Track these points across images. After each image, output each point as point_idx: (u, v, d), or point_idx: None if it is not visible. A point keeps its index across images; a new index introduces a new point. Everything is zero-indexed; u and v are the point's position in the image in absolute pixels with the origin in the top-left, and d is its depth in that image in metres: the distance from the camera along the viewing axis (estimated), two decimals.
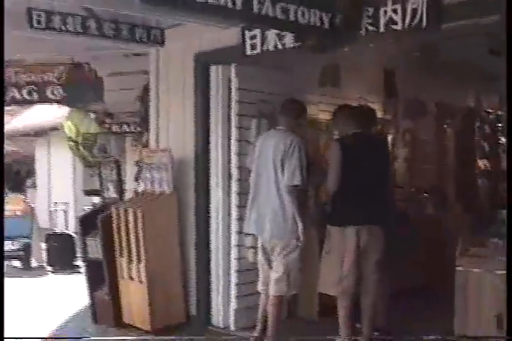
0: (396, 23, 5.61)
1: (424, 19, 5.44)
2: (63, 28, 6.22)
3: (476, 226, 7.87)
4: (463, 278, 6.09)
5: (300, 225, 6.14)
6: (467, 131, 11.02)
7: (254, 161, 6.41)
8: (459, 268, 6.14)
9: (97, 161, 10.56)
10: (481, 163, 11.22)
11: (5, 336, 4.65)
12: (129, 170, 8.76)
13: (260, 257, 6.39)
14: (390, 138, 9.34)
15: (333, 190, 6.18)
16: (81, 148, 12.29)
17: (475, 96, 11.35)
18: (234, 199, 7.08)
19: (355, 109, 6.65)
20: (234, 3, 4.50)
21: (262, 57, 6.67)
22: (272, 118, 7.06)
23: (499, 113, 11.61)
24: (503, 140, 11.60)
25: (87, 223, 7.83)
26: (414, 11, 5.48)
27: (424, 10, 5.42)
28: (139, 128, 8.59)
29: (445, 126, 10.58)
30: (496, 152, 11.54)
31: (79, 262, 10.83)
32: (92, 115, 11.68)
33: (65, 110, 12.57)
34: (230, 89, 7.15)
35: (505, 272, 5.02)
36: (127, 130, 10.91)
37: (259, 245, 6.39)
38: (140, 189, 7.69)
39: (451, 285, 6.10)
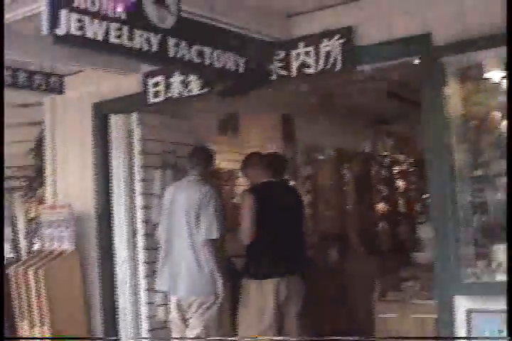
0: (309, 67, 5.49)
1: (339, 61, 5.34)
2: None
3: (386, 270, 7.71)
4: (382, 324, 5.96)
5: (219, 280, 5.84)
6: (365, 176, 11.00)
7: (164, 214, 6.09)
8: (379, 315, 6.03)
9: None
10: (380, 207, 11.16)
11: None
12: (24, 228, 8.25)
13: (174, 315, 6.01)
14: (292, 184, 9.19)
15: (247, 241, 5.92)
16: None
17: (370, 141, 11.38)
18: (141, 256, 6.73)
19: (265, 156, 6.44)
20: (150, 45, 4.22)
21: (164, 105, 6.49)
22: (176, 168, 6.83)
23: (394, 156, 11.70)
24: (400, 184, 11.70)
25: None
26: (328, 53, 5.39)
27: (339, 52, 5.33)
28: (33, 183, 8.14)
29: (344, 171, 10.50)
30: (393, 195, 11.55)
31: None
32: None
33: None
34: (131, 139, 6.85)
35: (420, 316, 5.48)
36: (15, 185, 10.37)
37: (173, 303, 6.01)
38: (38, 248, 7.22)
39: (372, 331, 5.99)
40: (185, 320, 5.96)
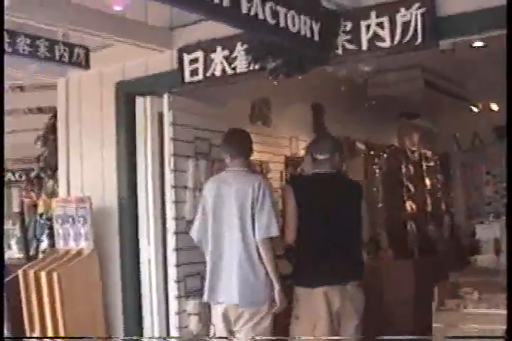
0: (383, 40, 4.68)
1: (419, 34, 4.55)
2: None
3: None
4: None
5: (276, 285, 5.06)
6: (394, 172, 10.32)
7: (205, 213, 5.28)
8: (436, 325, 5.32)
9: None
10: (408, 205, 10.49)
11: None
12: (34, 225, 7.41)
13: (220, 327, 5.18)
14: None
15: (292, 242, 5.14)
16: None
17: (398, 134, 10.76)
18: (171, 257, 5.86)
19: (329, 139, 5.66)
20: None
21: (201, 86, 5.71)
22: (210, 158, 6.09)
23: (422, 151, 11.08)
24: (428, 182, 11.11)
25: None
26: (406, 24, 4.59)
27: (419, 23, 4.52)
28: (42, 175, 7.34)
29: (374, 166, 9.79)
30: (421, 193, 10.89)
31: None
32: None
33: None
34: (160, 124, 6.02)
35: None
36: (16, 178, 9.69)
37: (219, 313, 5.18)
38: (51, 247, 6.40)
39: None
40: (231, 333, 5.17)
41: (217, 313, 5.20)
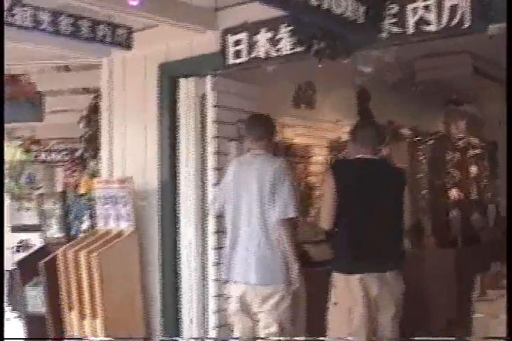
0: (429, 23, 4.55)
1: (468, 18, 4.40)
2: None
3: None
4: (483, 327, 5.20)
5: (295, 266, 5.08)
6: (439, 159, 10.13)
7: (226, 192, 5.33)
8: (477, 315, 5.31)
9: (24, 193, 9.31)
10: (453, 193, 10.30)
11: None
12: (74, 205, 7.43)
13: (237, 307, 5.24)
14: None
15: (327, 227, 5.06)
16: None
17: (444, 121, 10.55)
18: (210, 240, 5.86)
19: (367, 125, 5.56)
20: None
21: (244, 67, 5.65)
22: None
23: (470, 138, 10.85)
24: (473, 170, 10.88)
25: (25, 268, 6.49)
26: (454, 8, 4.45)
27: (467, 6, 4.39)
28: (86, 155, 7.34)
29: (419, 153, 9.62)
30: (466, 181, 10.68)
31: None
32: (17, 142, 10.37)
33: None
34: (203, 106, 5.98)
35: None
36: (60, 158, 9.73)
37: (238, 293, 5.22)
38: (91, 227, 6.39)
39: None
40: (251, 314, 5.21)
41: (234, 293, 5.25)
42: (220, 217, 5.57)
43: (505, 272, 5.69)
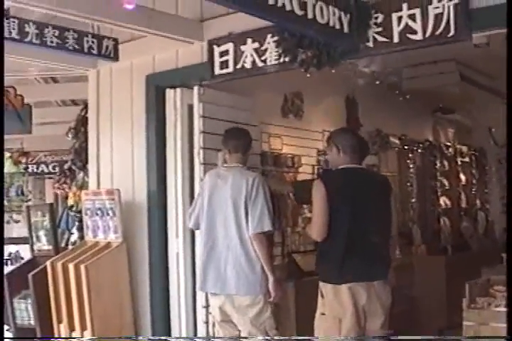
0: (414, 32, 4.58)
1: (453, 26, 4.44)
2: None
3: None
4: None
5: (270, 277, 5.08)
6: (428, 167, 10.19)
7: (203, 207, 5.30)
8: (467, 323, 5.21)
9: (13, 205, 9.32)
10: (442, 201, 10.35)
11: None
12: (63, 217, 7.40)
13: (217, 318, 5.28)
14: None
15: (319, 238, 5.04)
16: None
17: (433, 129, 10.60)
18: (198, 251, 5.78)
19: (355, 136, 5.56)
20: None
21: (230, 78, 5.70)
22: None
23: (457, 146, 10.91)
24: (462, 177, 10.95)
25: (14, 281, 6.47)
26: (439, 16, 4.50)
27: (452, 15, 4.43)
28: (74, 166, 7.31)
29: (408, 161, 9.67)
30: (456, 188, 10.75)
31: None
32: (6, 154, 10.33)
33: None
34: (191, 117, 6.00)
35: None
36: (49, 170, 9.73)
37: (217, 305, 5.23)
38: (79, 239, 6.38)
39: None
40: (234, 324, 5.23)
41: (214, 304, 5.27)
42: (198, 229, 5.53)
43: (505, 271, 5.76)
